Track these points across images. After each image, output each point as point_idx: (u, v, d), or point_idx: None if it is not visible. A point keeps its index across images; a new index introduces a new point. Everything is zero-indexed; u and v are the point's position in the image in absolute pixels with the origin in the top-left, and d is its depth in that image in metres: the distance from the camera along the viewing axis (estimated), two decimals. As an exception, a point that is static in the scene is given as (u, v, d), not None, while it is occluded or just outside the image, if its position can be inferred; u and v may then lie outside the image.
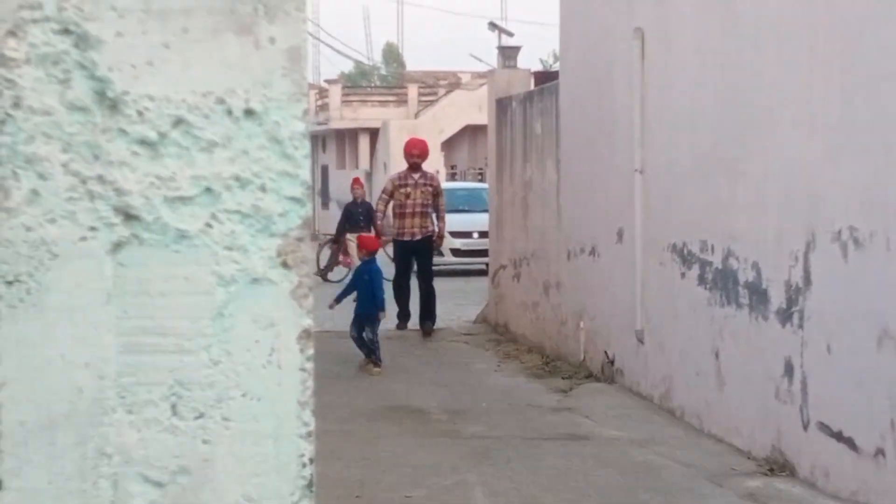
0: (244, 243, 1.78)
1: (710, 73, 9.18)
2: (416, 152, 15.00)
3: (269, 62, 1.76)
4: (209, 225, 1.78)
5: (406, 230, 14.95)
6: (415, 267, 15.28)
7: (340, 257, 22.12)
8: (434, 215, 15.18)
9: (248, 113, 1.77)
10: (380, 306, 12.44)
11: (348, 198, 21.48)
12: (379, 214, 15.64)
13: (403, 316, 15.34)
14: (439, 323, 17.07)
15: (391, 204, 15.22)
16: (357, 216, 20.10)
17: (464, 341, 14.78)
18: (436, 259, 25.89)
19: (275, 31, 1.76)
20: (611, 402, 10.31)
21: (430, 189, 15.01)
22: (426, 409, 10.31)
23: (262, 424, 1.81)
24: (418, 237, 14.95)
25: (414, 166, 15.01)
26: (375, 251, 13.02)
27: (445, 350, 14.06)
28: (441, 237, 15.44)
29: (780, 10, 8.11)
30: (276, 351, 1.80)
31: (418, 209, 14.90)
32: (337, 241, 21.79)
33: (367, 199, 22.96)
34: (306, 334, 1.79)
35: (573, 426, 9.55)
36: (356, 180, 21.04)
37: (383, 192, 15.34)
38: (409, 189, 14.88)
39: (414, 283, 15.27)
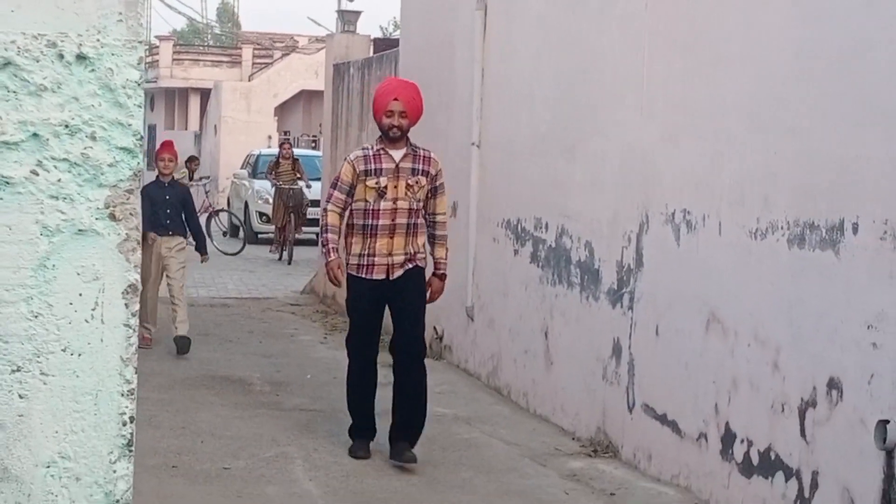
0: (71, 193, 1.77)
1: (551, 51, 9.30)
2: (397, 107, 7.78)
3: (104, 7, 1.75)
4: (35, 172, 1.76)
5: (374, 261, 7.88)
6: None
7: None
8: (430, 231, 8.06)
9: (81, 58, 1.75)
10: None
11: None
12: (330, 236, 7.84)
13: (363, 430, 8.10)
14: (264, 291, 17.01)
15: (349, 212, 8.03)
16: (162, 206, 11.54)
17: (290, 311, 14.75)
18: (263, 227, 25.35)
19: (112, -25, 1.75)
20: (437, 379, 10.38)
21: (426, 180, 7.89)
22: (248, 380, 10.29)
23: (82, 380, 1.80)
24: (399, 273, 7.88)
25: (393, 136, 7.83)
26: None
27: (270, 320, 14.02)
28: (436, 289, 8.15)
29: (624, -10, 8.25)
30: (100, 305, 1.80)
31: (402, 219, 7.83)
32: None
33: (187, 180, 20.16)
34: (132, 289, 1.79)
35: (398, 402, 9.60)
36: (165, 145, 12.38)
37: (338, 182, 7.91)
38: (384, 179, 7.80)
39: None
